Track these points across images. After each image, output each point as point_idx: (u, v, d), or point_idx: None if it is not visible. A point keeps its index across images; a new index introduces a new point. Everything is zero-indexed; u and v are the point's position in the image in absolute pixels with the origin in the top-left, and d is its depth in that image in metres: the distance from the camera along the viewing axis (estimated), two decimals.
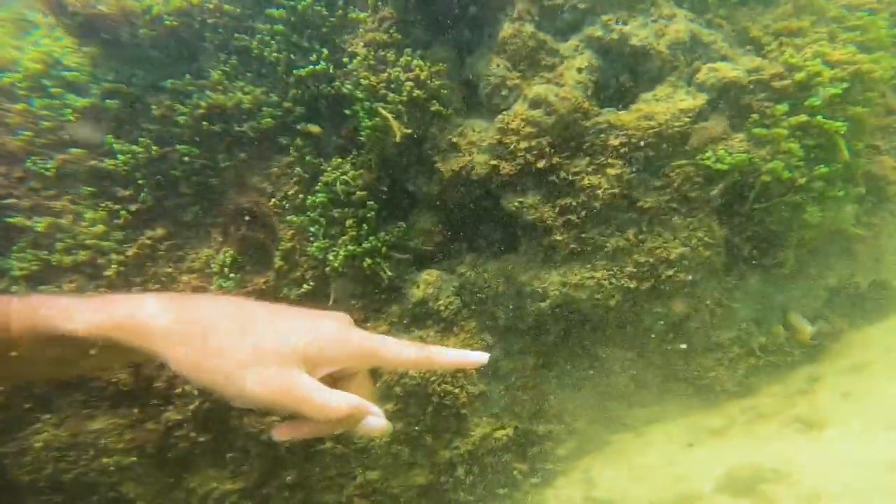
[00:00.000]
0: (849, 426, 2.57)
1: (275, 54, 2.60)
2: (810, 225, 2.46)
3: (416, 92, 2.60)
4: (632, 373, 2.97)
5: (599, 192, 2.62)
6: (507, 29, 2.75)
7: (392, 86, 2.60)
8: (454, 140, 2.76)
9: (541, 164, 2.62)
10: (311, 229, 2.66)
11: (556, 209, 2.69)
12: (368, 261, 2.59)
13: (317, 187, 2.73)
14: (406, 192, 2.90)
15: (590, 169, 2.64)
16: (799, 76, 2.24)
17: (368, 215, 2.64)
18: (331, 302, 2.74)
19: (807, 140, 2.37)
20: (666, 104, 2.50)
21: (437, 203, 2.87)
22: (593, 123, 2.63)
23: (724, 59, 2.41)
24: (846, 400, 2.68)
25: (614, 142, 2.59)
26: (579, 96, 2.61)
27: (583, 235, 2.71)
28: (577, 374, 3.03)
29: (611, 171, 2.61)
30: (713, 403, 3.01)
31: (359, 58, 2.64)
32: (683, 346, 2.81)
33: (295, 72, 2.63)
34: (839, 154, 2.33)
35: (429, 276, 2.92)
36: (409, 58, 2.64)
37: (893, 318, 3.05)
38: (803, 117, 2.22)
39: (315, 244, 2.63)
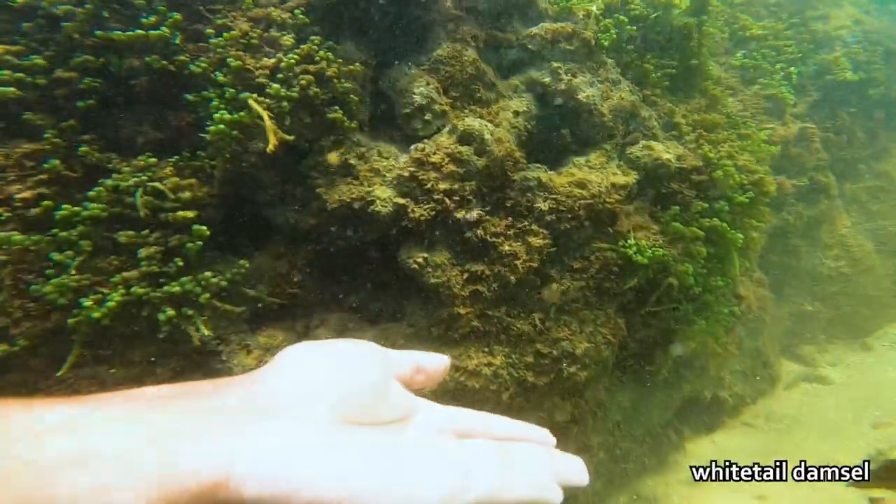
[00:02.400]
0: None
1: (62, 6, 1.61)
2: (692, 336, 2.44)
3: (315, 90, 1.87)
4: None
5: (518, 262, 2.19)
6: (445, 48, 2.29)
7: (280, 76, 1.82)
8: (352, 162, 2.06)
9: (460, 214, 2.10)
10: (54, 257, 1.58)
11: (465, 275, 2.15)
12: (169, 312, 1.61)
13: (90, 192, 1.68)
14: (259, 218, 2.03)
15: (510, 233, 2.22)
16: (717, 174, 2.26)
17: (189, 245, 1.69)
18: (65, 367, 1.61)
19: (708, 248, 2.38)
20: (600, 174, 2.29)
21: (307, 241, 2.06)
22: (522, 178, 2.27)
23: (654, 138, 2.33)
24: None
25: (542, 206, 2.25)
26: (513, 143, 2.24)
27: (488, 312, 2.22)
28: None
29: (533, 241, 2.23)
30: None
31: (233, 32, 1.81)
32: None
33: (99, 33, 1.65)
34: (731, 268, 2.38)
35: (269, 338, 2.03)
36: (314, 46, 1.92)
37: (720, 432, 3.26)
38: (716, 221, 2.20)
39: (52, 283, 1.56)
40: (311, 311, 2.17)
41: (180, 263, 1.62)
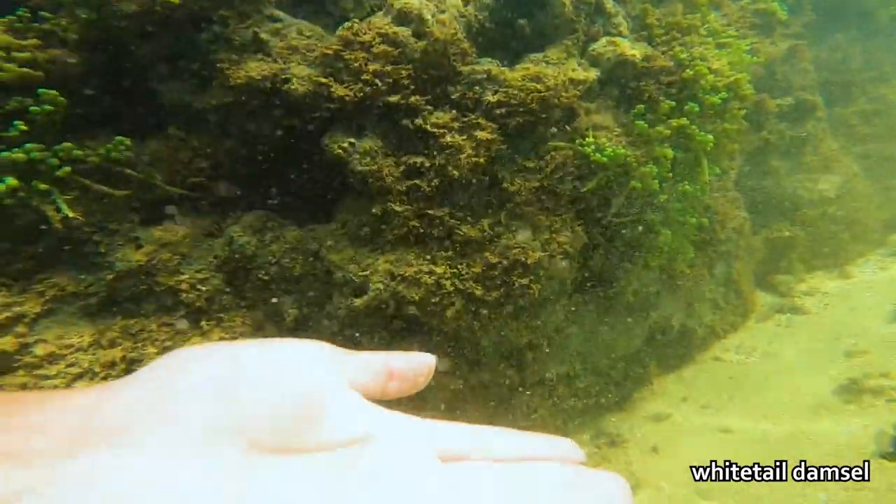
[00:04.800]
0: (660, 490, 2.39)
1: None
2: (658, 250, 2.27)
3: None
4: (453, 406, 2.31)
5: (462, 157, 1.98)
6: None
7: None
8: (263, 37, 1.82)
9: (394, 98, 1.87)
10: None
11: (402, 168, 1.94)
12: (11, 182, 1.38)
13: None
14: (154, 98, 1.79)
15: (455, 126, 2.00)
16: (687, 74, 2.05)
17: (34, 108, 1.44)
18: None
19: (677, 152, 2.19)
20: (557, 69, 2.06)
21: (212, 125, 1.82)
22: (470, 70, 2.05)
23: (621, 35, 2.11)
24: (655, 456, 2.55)
25: (491, 98, 2.03)
26: (459, 31, 2.00)
27: (429, 212, 2.01)
28: (384, 403, 2.19)
29: (480, 135, 2.01)
30: None
31: None
32: (517, 377, 2.30)
33: None
34: (700, 174, 2.19)
35: (167, 232, 1.81)
36: None
37: (688, 367, 3.12)
38: (684, 121, 2.00)
39: None
40: (224, 206, 1.95)
41: (23, 128, 1.37)
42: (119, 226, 1.76)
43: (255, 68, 1.78)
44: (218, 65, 1.74)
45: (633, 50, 2.14)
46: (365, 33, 1.90)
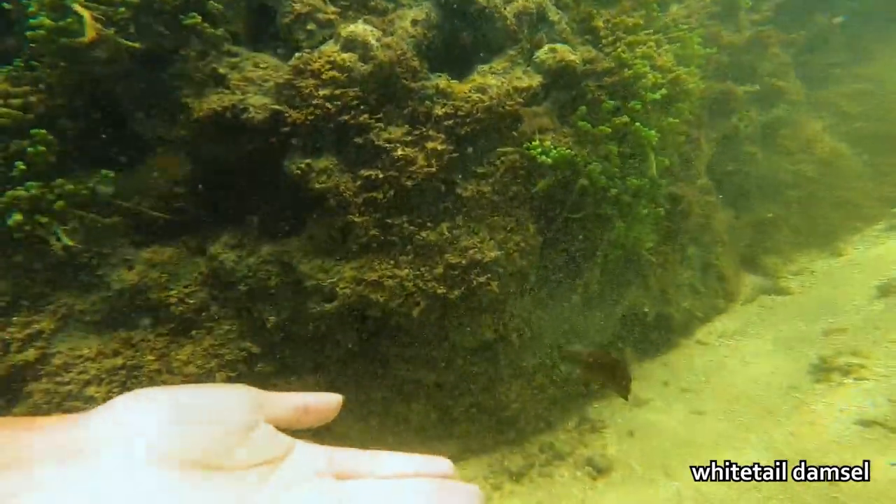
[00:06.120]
0: (632, 471, 2.49)
1: None
2: (615, 243, 2.39)
3: None
4: (434, 401, 2.50)
5: (414, 168, 2.17)
6: None
7: None
8: (221, 71, 2.06)
9: (345, 118, 2.08)
10: None
11: (358, 182, 2.15)
12: (17, 217, 1.65)
13: None
14: (133, 132, 2.06)
15: (407, 139, 2.20)
16: (627, 73, 2.18)
17: (30, 150, 1.72)
18: None
19: (623, 148, 2.31)
20: (501, 79, 2.24)
21: (186, 154, 2.08)
22: (420, 86, 2.25)
23: (564, 42, 2.26)
24: (630, 439, 2.67)
25: (440, 111, 2.22)
26: (407, 50, 2.20)
27: (388, 221, 2.21)
28: (369, 402, 2.44)
29: (431, 146, 2.20)
30: (516, 440, 2.70)
31: None
32: (491, 369, 2.47)
33: None
34: (648, 167, 2.31)
35: (155, 254, 2.07)
36: None
37: (671, 352, 3.22)
38: (625, 119, 2.13)
39: None
40: (205, 227, 2.20)
41: (22, 167, 1.65)
42: (112, 250, 2.04)
43: (216, 101, 2.03)
44: (182, 100, 1.99)
45: (572, 55, 2.28)
46: (315, 62, 2.12)
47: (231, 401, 0.57)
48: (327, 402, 0.65)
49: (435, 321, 2.45)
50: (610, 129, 2.23)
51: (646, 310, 2.94)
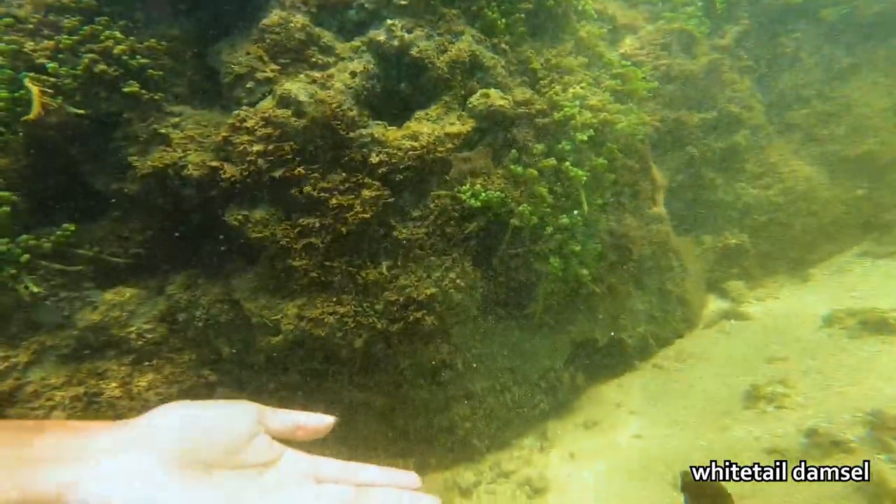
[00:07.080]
0: (566, 495, 2.60)
1: None
2: (554, 276, 2.51)
3: (101, 67, 2.08)
4: (388, 421, 2.69)
5: (349, 215, 2.34)
6: (273, 16, 2.43)
7: (61, 56, 2.03)
8: (162, 131, 2.28)
9: (278, 173, 2.27)
10: None
11: (297, 230, 2.33)
12: None
13: None
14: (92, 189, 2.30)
15: (344, 187, 2.37)
16: (558, 115, 2.29)
17: None
18: None
19: (557, 187, 2.43)
20: (433, 126, 2.38)
21: (142, 207, 2.30)
22: (358, 135, 2.41)
23: (497, 86, 2.38)
24: (571, 461, 2.76)
25: (375, 159, 2.38)
26: (343, 102, 2.36)
27: (327, 263, 2.39)
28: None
29: (366, 193, 2.37)
30: (473, 458, 2.87)
31: (6, 19, 2.04)
32: (440, 393, 2.63)
33: None
34: (580, 205, 2.42)
35: (117, 295, 2.31)
36: (98, 27, 2.12)
37: (627, 374, 3.30)
38: (552, 161, 2.25)
39: None
40: (163, 270, 2.43)
41: None
42: (78, 293, 2.29)
43: (158, 159, 2.24)
44: (128, 158, 2.21)
45: (502, 100, 2.40)
46: (250, 119, 2.31)
47: (238, 413, 0.73)
48: (318, 422, 0.79)
49: (380, 351, 2.63)
50: (536, 173, 2.35)
51: (596, 336, 3.04)
